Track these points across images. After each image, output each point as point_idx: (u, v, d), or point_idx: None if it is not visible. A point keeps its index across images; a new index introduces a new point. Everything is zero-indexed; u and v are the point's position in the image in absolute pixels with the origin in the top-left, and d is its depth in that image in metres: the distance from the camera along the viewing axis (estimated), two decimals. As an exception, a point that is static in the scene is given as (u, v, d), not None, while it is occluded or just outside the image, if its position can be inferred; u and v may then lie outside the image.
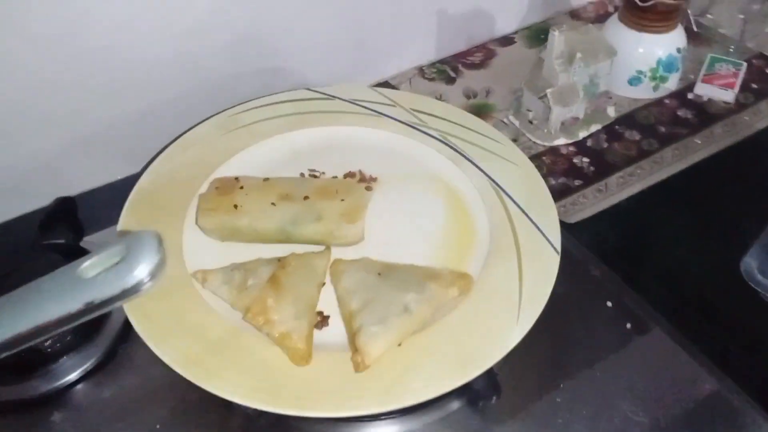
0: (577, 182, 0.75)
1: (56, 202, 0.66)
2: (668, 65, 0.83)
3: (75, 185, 0.71)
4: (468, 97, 0.87)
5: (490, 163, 0.62)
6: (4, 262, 0.59)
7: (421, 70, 0.91)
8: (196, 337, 0.48)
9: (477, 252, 0.56)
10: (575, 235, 0.69)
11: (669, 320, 0.61)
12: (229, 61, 0.73)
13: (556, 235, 0.55)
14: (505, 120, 0.83)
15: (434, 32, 0.91)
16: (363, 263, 0.53)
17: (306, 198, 0.55)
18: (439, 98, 0.86)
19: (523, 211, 0.58)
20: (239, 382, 0.46)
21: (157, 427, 0.53)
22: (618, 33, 0.83)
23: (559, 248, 0.55)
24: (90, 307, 0.29)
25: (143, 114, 0.71)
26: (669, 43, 0.82)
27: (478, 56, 0.93)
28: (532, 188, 0.60)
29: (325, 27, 0.80)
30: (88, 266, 0.29)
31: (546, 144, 0.79)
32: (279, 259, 0.52)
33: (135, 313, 0.49)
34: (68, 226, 0.62)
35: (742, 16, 0.94)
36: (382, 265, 0.53)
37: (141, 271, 0.29)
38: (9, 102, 0.63)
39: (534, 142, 0.80)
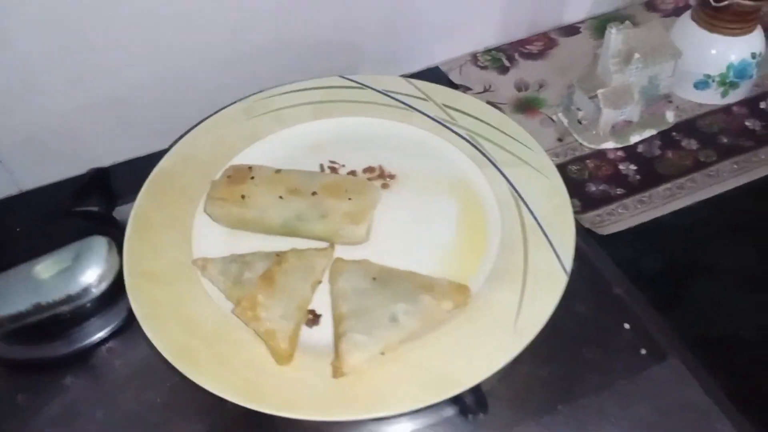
0: (619, 191, 0.71)
1: (91, 171, 0.68)
2: (740, 71, 0.77)
3: (109, 156, 0.73)
4: (519, 89, 0.84)
5: (516, 170, 0.60)
6: (33, 226, 0.62)
7: (474, 57, 0.88)
8: (189, 327, 0.50)
9: (483, 264, 0.54)
10: (607, 249, 0.66)
11: (693, 352, 0.57)
12: (272, 33, 0.73)
13: (569, 257, 0.53)
14: (553, 117, 0.79)
15: (494, 16, 0.87)
16: (361, 265, 0.53)
17: (314, 194, 0.55)
18: (488, 88, 0.83)
19: (540, 226, 0.55)
20: (222, 377, 0.47)
21: (158, 401, 0.56)
22: (689, 32, 0.78)
23: (569, 270, 0.52)
24: (38, 308, 0.30)
25: (177, 82, 0.72)
26: (744, 46, 0.76)
27: (538, 45, 0.89)
28: (556, 202, 0.57)
29: (378, 4, 0.78)
30: (42, 267, 0.31)
31: (593, 147, 0.76)
32: (277, 254, 0.52)
33: (136, 295, 0.51)
34: (101, 196, 0.65)
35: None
36: (380, 270, 0.52)
37: (87, 278, 0.29)
38: (41, 60, 0.65)
39: (580, 144, 0.76)
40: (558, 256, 0.53)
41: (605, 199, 0.70)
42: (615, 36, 0.72)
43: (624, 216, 0.69)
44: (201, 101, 0.71)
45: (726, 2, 0.73)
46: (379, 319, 0.48)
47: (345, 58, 0.82)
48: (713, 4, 0.74)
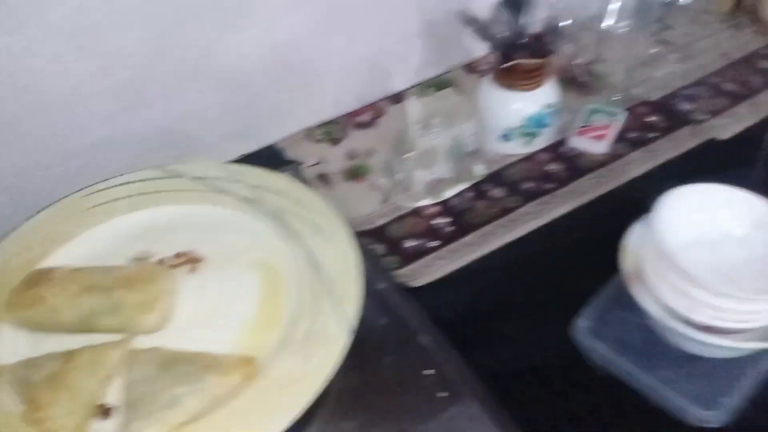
0: (433, 243, 0.77)
1: None
2: (537, 121, 0.84)
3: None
4: (350, 158, 0.89)
5: (315, 240, 0.65)
6: None
7: (309, 132, 0.94)
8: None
9: (276, 335, 0.58)
10: (420, 300, 0.70)
11: (490, 389, 0.62)
12: (101, 131, 0.78)
13: (353, 317, 0.57)
14: (377, 182, 0.85)
15: (325, 92, 0.94)
16: (150, 354, 0.56)
17: (109, 288, 0.59)
18: (321, 161, 0.89)
19: (330, 293, 0.60)
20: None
21: None
22: (490, 91, 0.85)
23: (352, 332, 0.56)
24: None
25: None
26: (537, 99, 0.83)
27: (368, 115, 0.96)
28: (345, 267, 0.61)
29: (213, 91, 0.84)
30: None
31: (411, 205, 0.81)
32: (67, 353, 0.55)
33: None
34: None
35: (628, 63, 0.94)
36: (169, 355, 0.55)
37: None
38: None
39: (400, 204, 0.82)
40: (341, 317, 0.57)
41: (421, 253, 0.76)
42: (413, 104, 0.79)
43: (437, 267, 0.74)
44: (29, 205, 0.73)
45: (511, 63, 0.81)
46: (160, 404, 0.51)
47: (179, 147, 0.86)
48: (500, 66, 0.82)
